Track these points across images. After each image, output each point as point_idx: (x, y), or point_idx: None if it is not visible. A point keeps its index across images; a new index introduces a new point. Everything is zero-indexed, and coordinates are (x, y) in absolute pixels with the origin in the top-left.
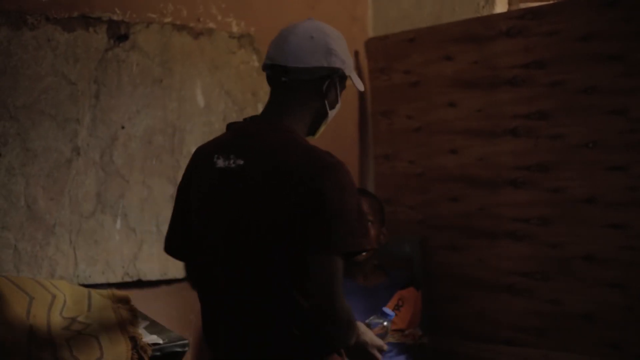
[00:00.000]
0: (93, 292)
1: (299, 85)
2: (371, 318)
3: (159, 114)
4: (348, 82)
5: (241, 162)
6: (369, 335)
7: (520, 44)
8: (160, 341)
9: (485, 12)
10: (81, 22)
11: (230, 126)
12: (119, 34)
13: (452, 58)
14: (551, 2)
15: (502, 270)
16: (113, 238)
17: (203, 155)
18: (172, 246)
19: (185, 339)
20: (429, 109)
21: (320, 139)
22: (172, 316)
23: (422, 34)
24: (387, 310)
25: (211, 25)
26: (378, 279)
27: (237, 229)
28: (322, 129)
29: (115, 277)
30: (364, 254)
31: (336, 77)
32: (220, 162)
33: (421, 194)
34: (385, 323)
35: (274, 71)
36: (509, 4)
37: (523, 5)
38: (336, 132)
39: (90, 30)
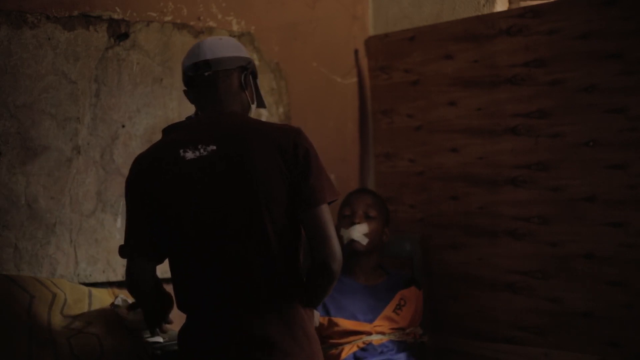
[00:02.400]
0: (94, 290)
1: (222, 77)
2: None
3: (160, 113)
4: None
5: (214, 147)
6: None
7: (520, 42)
8: (161, 340)
9: (485, 11)
10: (81, 20)
11: (174, 127)
12: (119, 32)
13: (453, 57)
14: (551, 0)
15: (502, 269)
16: (113, 237)
17: (160, 155)
18: (138, 248)
19: None
20: (429, 108)
21: (321, 137)
22: (173, 315)
23: (422, 33)
24: None
25: (211, 24)
26: (379, 278)
27: (234, 205)
28: None
29: (116, 275)
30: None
31: (251, 70)
32: (190, 154)
33: (421, 193)
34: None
35: (197, 70)
36: (509, 2)
37: (523, 4)
38: (337, 131)
39: (90, 29)
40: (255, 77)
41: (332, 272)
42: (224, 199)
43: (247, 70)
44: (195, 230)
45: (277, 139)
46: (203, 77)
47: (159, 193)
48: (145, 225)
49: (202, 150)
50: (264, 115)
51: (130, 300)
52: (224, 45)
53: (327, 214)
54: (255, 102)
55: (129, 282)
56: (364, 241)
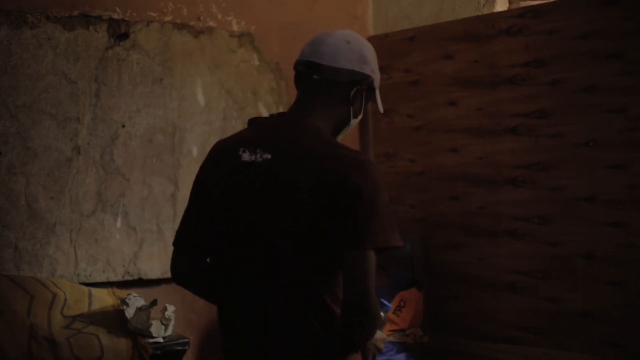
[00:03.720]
0: (94, 290)
1: (329, 86)
2: None
3: (160, 113)
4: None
5: (268, 156)
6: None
7: (520, 42)
8: (161, 340)
9: (485, 11)
10: (81, 20)
11: (254, 121)
12: (119, 32)
13: (453, 57)
14: (551, 0)
15: (503, 269)
16: (113, 237)
17: (226, 149)
18: (183, 240)
19: (185, 338)
20: (429, 108)
21: None
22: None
23: (422, 33)
24: (385, 301)
25: (211, 24)
26: (380, 280)
27: (264, 223)
28: (342, 136)
29: (116, 275)
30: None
31: (364, 86)
32: (246, 156)
33: (422, 193)
34: (381, 314)
35: (308, 68)
36: (509, 2)
37: (523, 4)
38: None
39: (90, 29)
40: (372, 90)
41: (359, 330)
42: (259, 214)
43: (358, 85)
44: (229, 238)
45: (329, 169)
46: (311, 79)
47: (212, 187)
48: (193, 217)
49: (257, 156)
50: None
51: (142, 300)
52: (348, 54)
53: (366, 262)
54: (359, 117)
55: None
56: None
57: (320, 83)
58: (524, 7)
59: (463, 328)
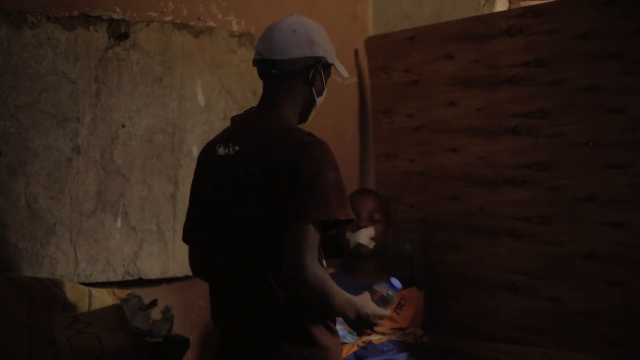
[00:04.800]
0: (94, 290)
1: (288, 76)
2: (375, 285)
3: (160, 113)
4: (333, 71)
5: (237, 148)
6: (370, 307)
7: (520, 42)
8: (161, 340)
9: (485, 11)
10: (81, 20)
11: (233, 118)
12: (119, 32)
13: (453, 57)
14: (551, 0)
15: (502, 269)
16: (113, 237)
17: (209, 147)
18: (186, 233)
19: (185, 338)
20: (429, 108)
21: (321, 138)
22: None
23: (422, 33)
24: (396, 282)
25: (211, 24)
26: (380, 279)
27: (233, 211)
28: (312, 115)
29: (116, 275)
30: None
31: (320, 66)
32: (221, 150)
33: (421, 193)
34: (390, 292)
35: (264, 65)
36: (510, 2)
37: (523, 4)
38: (337, 131)
39: (90, 29)
40: (328, 65)
41: (306, 303)
42: (226, 202)
43: (314, 68)
44: (208, 231)
45: (279, 154)
46: (269, 74)
47: (198, 183)
48: (190, 213)
49: (230, 149)
50: None
51: (142, 300)
52: (296, 43)
53: (303, 234)
54: (322, 94)
55: None
56: (371, 245)
57: (279, 76)
58: (524, 7)
59: (463, 328)
